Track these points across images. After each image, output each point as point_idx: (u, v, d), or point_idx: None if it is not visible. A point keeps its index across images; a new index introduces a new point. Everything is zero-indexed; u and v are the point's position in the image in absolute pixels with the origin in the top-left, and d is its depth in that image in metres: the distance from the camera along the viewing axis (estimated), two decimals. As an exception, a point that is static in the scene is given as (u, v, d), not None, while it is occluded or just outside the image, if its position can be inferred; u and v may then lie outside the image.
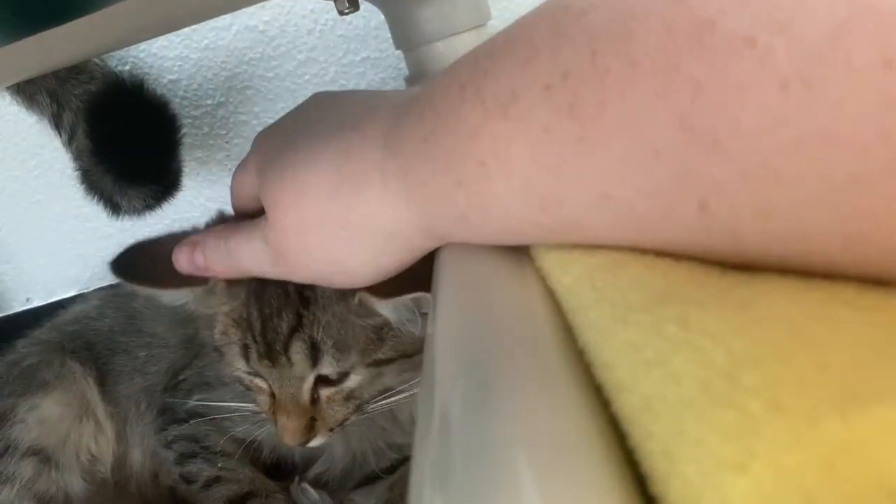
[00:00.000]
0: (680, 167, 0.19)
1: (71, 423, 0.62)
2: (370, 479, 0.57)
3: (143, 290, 0.45)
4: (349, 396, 0.44)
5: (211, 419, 0.58)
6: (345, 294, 0.41)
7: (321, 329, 0.41)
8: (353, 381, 0.43)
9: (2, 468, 0.59)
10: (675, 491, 0.14)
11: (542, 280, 0.25)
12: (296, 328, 0.42)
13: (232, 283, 0.43)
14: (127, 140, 0.69)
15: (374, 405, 0.45)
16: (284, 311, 0.42)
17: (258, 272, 0.38)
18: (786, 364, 0.15)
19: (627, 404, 0.16)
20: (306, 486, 0.57)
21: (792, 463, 0.13)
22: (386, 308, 0.40)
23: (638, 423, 0.16)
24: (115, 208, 0.71)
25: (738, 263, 0.21)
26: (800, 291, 0.18)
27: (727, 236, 0.20)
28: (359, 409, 0.45)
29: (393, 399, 0.45)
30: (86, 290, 0.97)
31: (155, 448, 0.64)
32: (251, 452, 0.59)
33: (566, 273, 0.23)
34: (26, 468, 0.59)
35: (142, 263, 0.45)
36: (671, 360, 0.16)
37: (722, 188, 0.19)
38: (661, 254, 0.23)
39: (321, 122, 0.35)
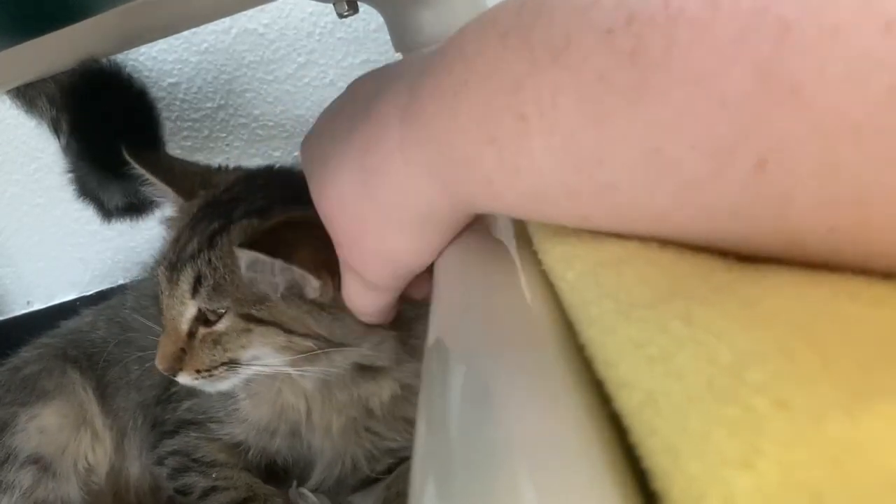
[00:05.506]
0: (745, 119, 0.18)
1: (69, 433, 0.63)
2: (367, 483, 0.57)
3: (142, 172, 0.51)
4: (217, 341, 0.46)
5: (198, 425, 0.58)
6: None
7: (209, 268, 0.46)
8: (222, 325, 0.46)
9: (2, 476, 0.59)
10: (679, 487, 0.13)
11: (544, 276, 0.25)
12: (192, 258, 0.46)
13: (187, 203, 0.51)
14: (107, 132, 0.68)
15: (247, 368, 0.47)
16: (195, 240, 0.47)
17: (380, 303, 0.39)
18: (791, 361, 0.15)
19: (630, 400, 0.16)
20: (304, 490, 0.57)
21: (798, 460, 0.12)
22: (240, 255, 0.44)
23: (640, 420, 0.15)
24: (101, 208, 0.71)
25: (772, 244, 0.20)
26: (805, 287, 0.18)
27: (776, 202, 0.19)
28: (230, 365, 0.47)
29: (264, 368, 0.47)
30: (86, 294, 0.97)
31: (151, 465, 0.64)
32: (242, 457, 0.59)
33: (570, 268, 0.23)
34: (26, 477, 0.59)
35: (153, 156, 0.52)
36: (675, 357, 0.16)
37: (786, 144, 0.18)
38: (673, 243, 0.22)
39: (341, 123, 0.35)
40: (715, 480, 0.13)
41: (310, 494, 0.57)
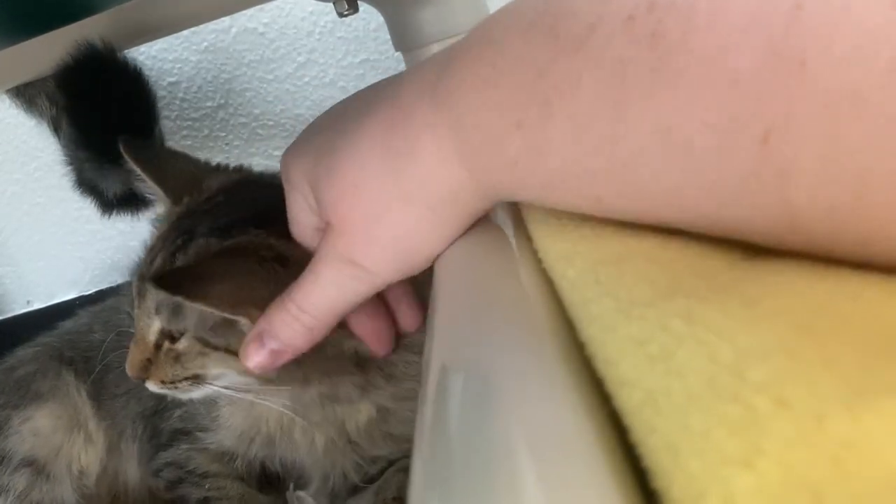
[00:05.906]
0: (753, 96, 0.19)
1: (63, 435, 0.63)
2: (358, 489, 0.57)
3: (133, 167, 0.50)
4: (177, 358, 0.46)
5: (188, 435, 0.58)
6: None
7: None
8: (181, 345, 0.46)
9: None
10: (679, 485, 0.13)
11: (545, 274, 0.25)
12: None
13: (173, 207, 0.49)
14: (103, 117, 0.67)
15: (212, 385, 0.47)
16: (161, 254, 0.46)
17: (344, 303, 0.36)
18: (792, 359, 0.15)
19: (631, 399, 0.16)
20: (302, 493, 0.57)
21: (798, 459, 0.12)
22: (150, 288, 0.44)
23: (641, 418, 0.15)
24: (100, 198, 0.69)
25: (774, 227, 0.20)
26: (806, 284, 0.18)
27: (778, 178, 0.19)
28: (193, 380, 0.47)
29: (228, 391, 0.47)
30: (86, 293, 0.97)
31: (149, 477, 0.64)
32: (232, 466, 0.59)
33: (570, 266, 0.23)
34: (20, 480, 0.59)
35: (150, 152, 0.51)
36: (676, 355, 0.16)
37: (792, 120, 0.18)
38: (675, 239, 0.22)
39: (350, 114, 0.34)
40: (715, 479, 0.13)
41: (307, 497, 0.57)
